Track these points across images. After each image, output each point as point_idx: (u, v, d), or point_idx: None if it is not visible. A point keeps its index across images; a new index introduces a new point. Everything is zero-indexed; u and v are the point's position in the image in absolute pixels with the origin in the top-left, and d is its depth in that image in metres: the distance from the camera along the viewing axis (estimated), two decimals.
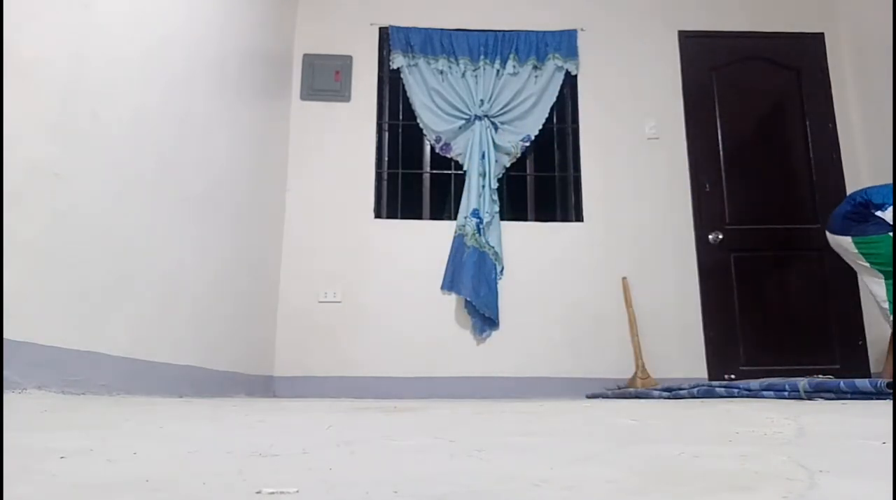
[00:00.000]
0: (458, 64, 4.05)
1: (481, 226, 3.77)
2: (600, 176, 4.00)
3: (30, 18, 1.67)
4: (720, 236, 3.88)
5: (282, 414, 1.59)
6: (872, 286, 3.03)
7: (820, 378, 2.21)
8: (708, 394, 2.42)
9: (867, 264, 3.00)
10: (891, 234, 2.93)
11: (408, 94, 4.07)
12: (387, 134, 4.19)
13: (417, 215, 4.06)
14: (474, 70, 4.05)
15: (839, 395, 2.06)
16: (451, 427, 1.26)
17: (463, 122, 3.98)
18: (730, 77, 4.13)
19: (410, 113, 4.10)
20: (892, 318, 3.00)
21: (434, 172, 4.16)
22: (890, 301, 2.94)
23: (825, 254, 3.87)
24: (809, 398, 2.11)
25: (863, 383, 2.04)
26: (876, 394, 2.01)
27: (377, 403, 2.20)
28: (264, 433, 1.11)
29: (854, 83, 4.06)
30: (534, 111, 4.03)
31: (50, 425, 1.14)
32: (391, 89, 4.21)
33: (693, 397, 2.48)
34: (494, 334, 3.76)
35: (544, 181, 4.21)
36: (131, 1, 2.17)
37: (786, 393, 2.17)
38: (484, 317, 3.72)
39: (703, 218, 3.92)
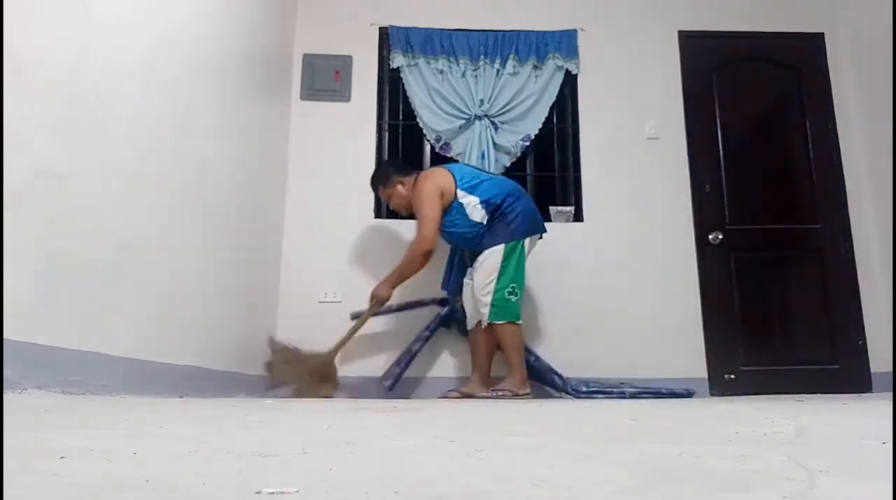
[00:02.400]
0: (458, 64, 4.05)
1: None
2: (600, 176, 4.00)
3: (30, 18, 1.67)
4: (720, 236, 3.87)
5: (282, 414, 1.59)
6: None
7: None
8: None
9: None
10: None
11: (408, 93, 4.07)
12: (387, 134, 4.19)
13: None
14: (474, 70, 4.05)
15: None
16: (451, 427, 1.26)
17: (463, 121, 3.98)
18: (730, 77, 4.12)
19: (410, 113, 4.09)
20: None
21: None
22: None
23: (825, 254, 3.88)
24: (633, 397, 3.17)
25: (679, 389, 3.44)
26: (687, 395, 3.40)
27: (377, 403, 2.20)
28: (264, 433, 1.11)
29: (854, 83, 4.05)
30: (534, 111, 4.02)
31: (50, 425, 1.14)
32: (391, 89, 4.21)
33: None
34: None
35: (544, 181, 4.20)
36: (131, 1, 2.17)
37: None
38: None
39: (704, 218, 3.91)
